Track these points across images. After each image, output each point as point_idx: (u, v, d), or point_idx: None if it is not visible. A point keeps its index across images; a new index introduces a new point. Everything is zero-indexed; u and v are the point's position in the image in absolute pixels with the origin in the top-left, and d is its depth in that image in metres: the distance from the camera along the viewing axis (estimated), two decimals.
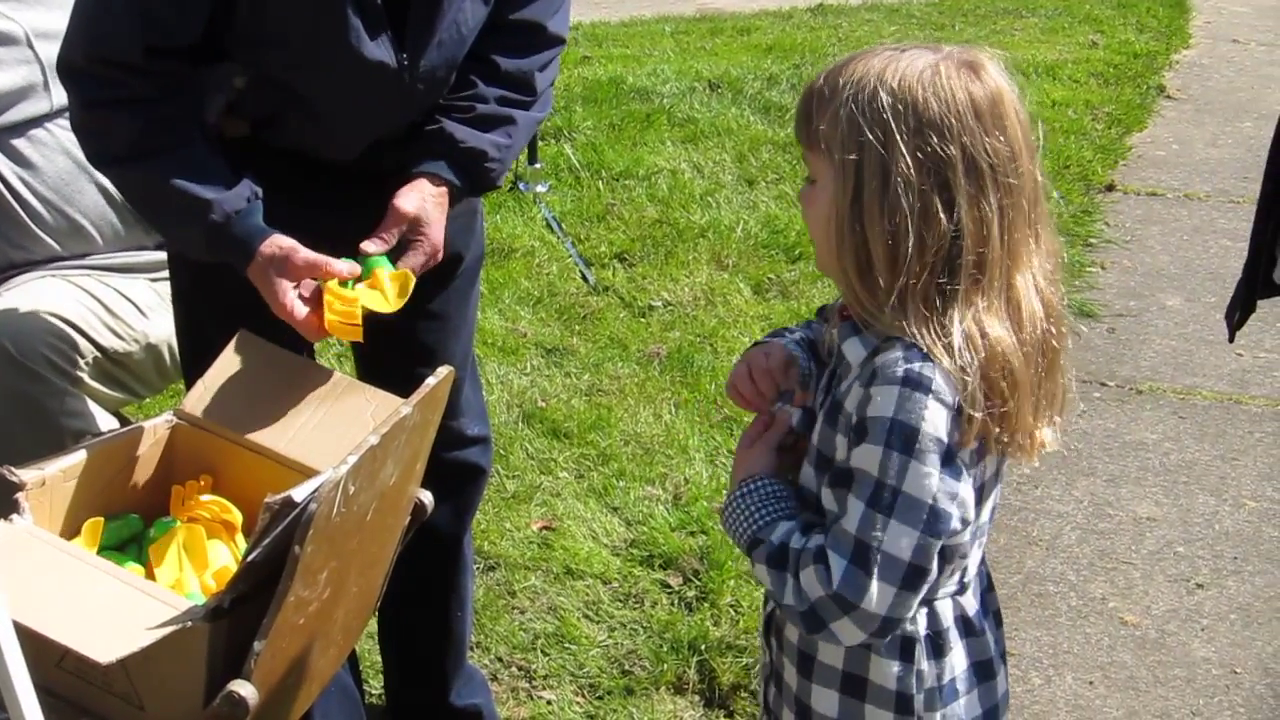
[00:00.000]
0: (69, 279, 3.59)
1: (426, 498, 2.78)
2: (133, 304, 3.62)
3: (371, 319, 2.81)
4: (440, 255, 2.92)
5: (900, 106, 2.08)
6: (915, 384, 2.04)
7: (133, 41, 2.68)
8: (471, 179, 2.95)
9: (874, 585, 2.01)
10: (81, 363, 3.45)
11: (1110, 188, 7.12)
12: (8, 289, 3.56)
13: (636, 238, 6.31)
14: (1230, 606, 4.10)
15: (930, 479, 2.03)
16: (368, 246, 2.81)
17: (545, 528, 4.36)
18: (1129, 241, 6.54)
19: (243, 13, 2.71)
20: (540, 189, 6.71)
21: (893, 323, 2.10)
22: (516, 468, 4.64)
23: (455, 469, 3.31)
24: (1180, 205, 6.95)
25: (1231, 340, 3.54)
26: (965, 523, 2.11)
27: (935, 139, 2.07)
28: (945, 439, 2.05)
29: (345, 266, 2.76)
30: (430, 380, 2.51)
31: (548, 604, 4.03)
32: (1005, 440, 2.13)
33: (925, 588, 2.06)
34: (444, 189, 2.91)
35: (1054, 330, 2.19)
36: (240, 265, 2.78)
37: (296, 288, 2.76)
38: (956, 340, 2.06)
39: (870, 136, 2.09)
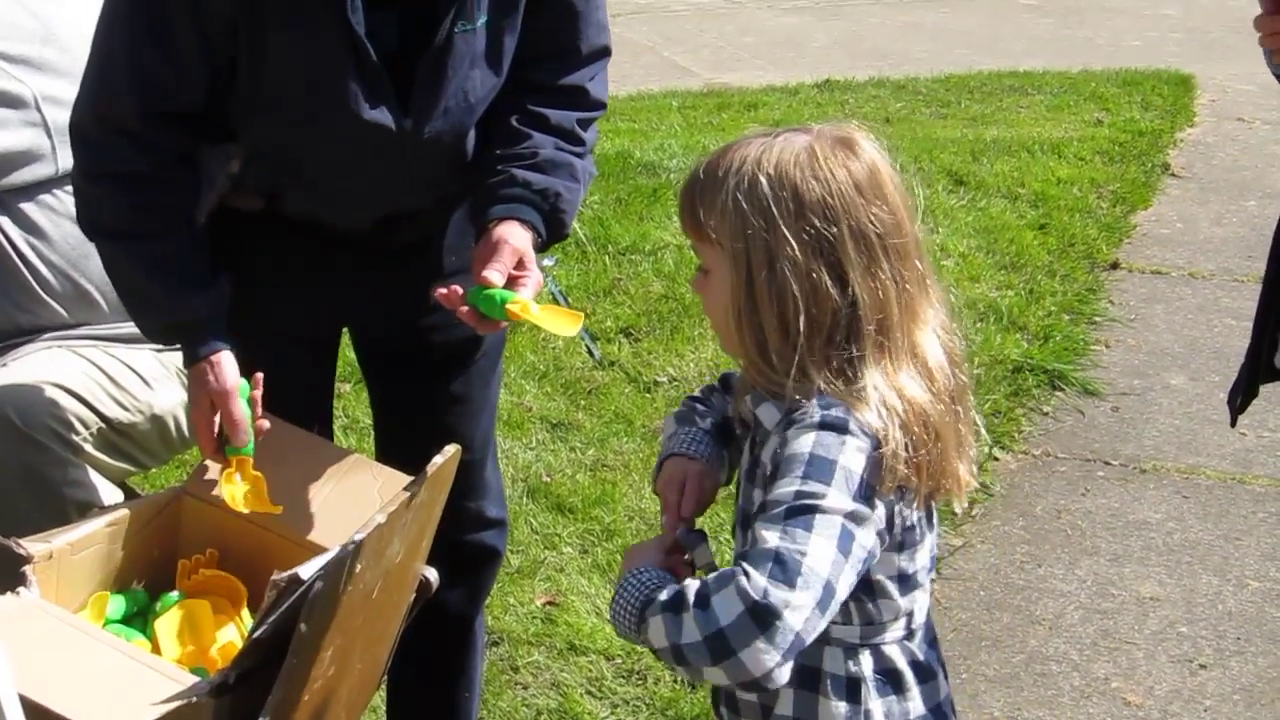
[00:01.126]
0: (74, 349, 3.61)
1: (432, 575, 2.79)
2: (137, 375, 3.63)
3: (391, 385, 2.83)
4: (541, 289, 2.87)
5: (781, 192, 2.15)
6: (832, 426, 2.10)
7: (133, 103, 2.75)
8: (548, 224, 2.91)
9: (795, 596, 1.97)
10: (85, 432, 3.47)
11: (1115, 266, 7.14)
12: (14, 359, 3.58)
13: (642, 313, 6.34)
14: (1234, 687, 4.10)
15: (844, 503, 2.05)
16: (491, 275, 2.73)
17: (549, 603, 4.37)
18: (1133, 320, 6.56)
19: (243, 76, 2.75)
20: (547, 263, 6.73)
21: (798, 393, 2.15)
22: (521, 543, 4.64)
23: (472, 551, 3.32)
24: (1184, 284, 6.97)
25: (1234, 424, 3.55)
26: (873, 556, 2.12)
27: (818, 220, 2.14)
28: (862, 475, 2.08)
29: (248, 445, 2.82)
30: (437, 459, 2.53)
31: (551, 680, 4.04)
32: (932, 486, 2.19)
33: (831, 614, 2.04)
34: (530, 233, 2.86)
35: (960, 376, 2.26)
36: (184, 361, 2.87)
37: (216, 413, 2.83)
38: (872, 401, 2.11)
39: (755, 224, 2.16)
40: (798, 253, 2.13)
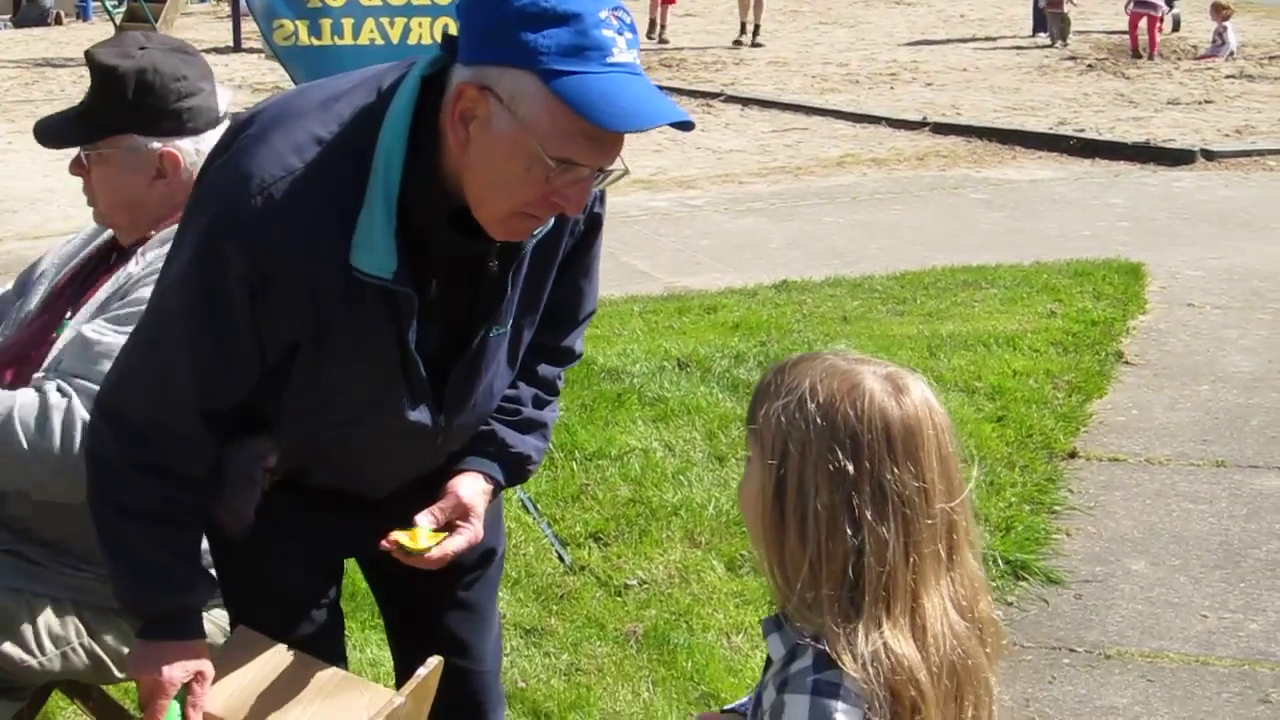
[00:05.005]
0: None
1: None
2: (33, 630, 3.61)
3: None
4: (477, 544, 3.10)
5: (821, 421, 2.22)
6: (824, 692, 2.16)
7: (190, 408, 2.87)
8: (511, 478, 3.21)
9: None
10: None
11: (1073, 455, 7.26)
12: None
13: (611, 517, 6.42)
14: None
15: None
16: (421, 519, 3.00)
17: None
18: (1092, 508, 6.66)
19: (295, 387, 2.89)
20: None
21: (804, 617, 2.23)
22: None
23: None
24: (1142, 470, 7.09)
25: None
26: None
27: (844, 456, 2.21)
28: None
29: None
30: (421, 671, 2.62)
31: None
32: None
33: None
34: (491, 486, 3.14)
35: (964, 655, 2.27)
36: (166, 635, 3.00)
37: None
38: (863, 652, 2.17)
39: (792, 446, 2.23)
40: (823, 483, 2.21)
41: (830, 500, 2.20)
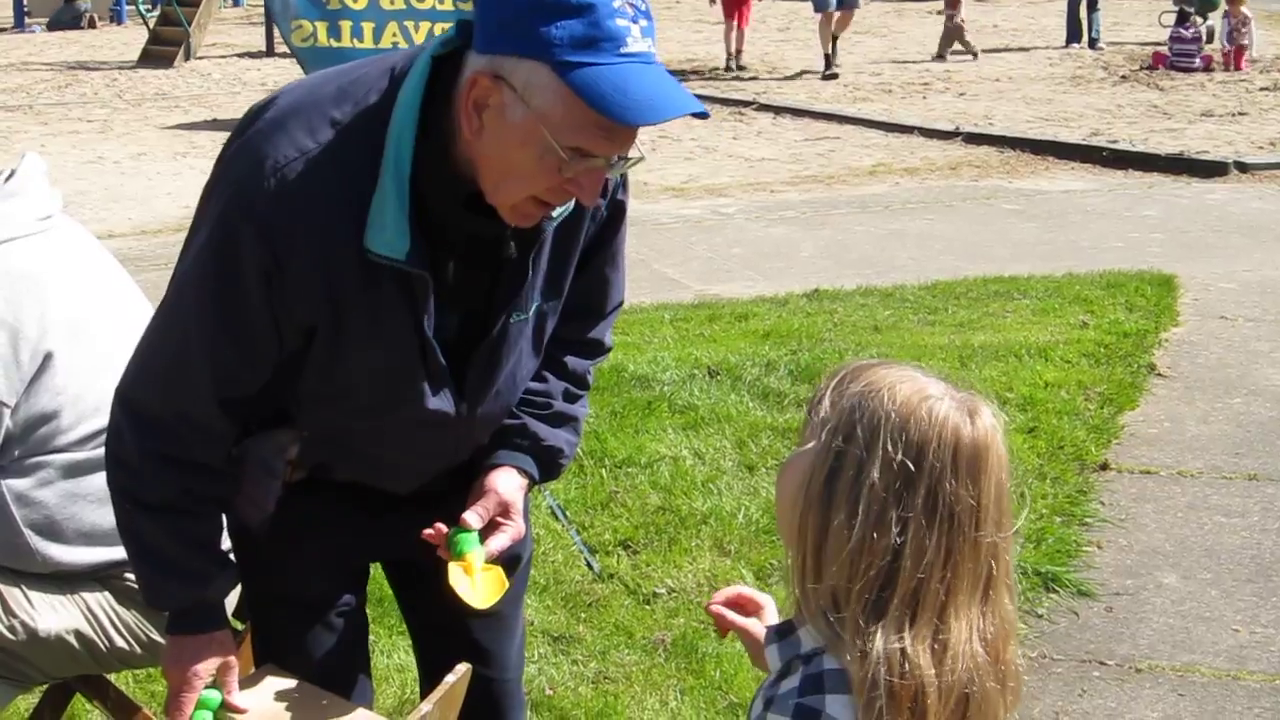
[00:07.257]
0: None
1: None
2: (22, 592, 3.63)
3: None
4: (519, 539, 3.11)
5: (895, 416, 2.20)
6: (806, 716, 2.15)
7: (207, 397, 2.86)
8: (545, 473, 3.18)
9: None
10: None
11: (1104, 467, 7.22)
12: None
13: (640, 525, 6.41)
14: None
15: None
16: (469, 518, 2.98)
17: None
18: (1124, 520, 6.63)
19: (312, 373, 2.88)
20: None
21: (817, 615, 2.22)
22: None
23: None
24: (1173, 483, 7.05)
25: None
26: None
27: (908, 458, 2.18)
28: None
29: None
30: (449, 678, 2.62)
31: None
32: None
33: None
34: (526, 481, 3.12)
35: (978, 687, 2.22)
36: (189, 628, 2.99)
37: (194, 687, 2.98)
38: (877, 651, 2.14)
39: (860, 431, 2.21)
40: (881, 479, 2.18)
41: (885, 491, 2.18)
